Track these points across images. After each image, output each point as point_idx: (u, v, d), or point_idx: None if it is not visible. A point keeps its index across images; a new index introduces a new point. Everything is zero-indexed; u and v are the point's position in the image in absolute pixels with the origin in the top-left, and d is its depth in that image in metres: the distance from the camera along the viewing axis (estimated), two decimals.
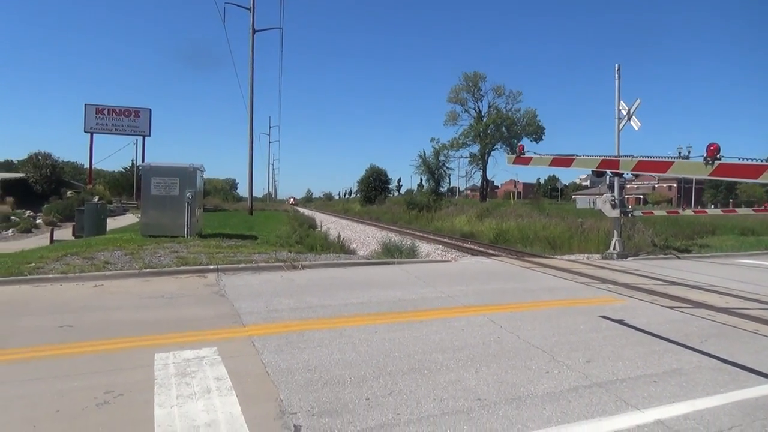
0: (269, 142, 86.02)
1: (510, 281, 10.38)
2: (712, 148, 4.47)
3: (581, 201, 67.49)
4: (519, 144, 7.17)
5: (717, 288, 9.72)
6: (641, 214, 17.53)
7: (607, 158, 6.10)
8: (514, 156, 7.14)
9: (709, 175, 4.57)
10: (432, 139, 63.39)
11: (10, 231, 22.28)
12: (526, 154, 6.96)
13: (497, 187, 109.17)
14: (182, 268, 9.96)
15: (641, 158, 5.47)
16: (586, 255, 15.70)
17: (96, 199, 27.43)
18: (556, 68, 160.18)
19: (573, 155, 6.32)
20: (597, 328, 6.47)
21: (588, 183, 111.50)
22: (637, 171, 5.82)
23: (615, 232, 15.31)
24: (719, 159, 4.46)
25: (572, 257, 15.14)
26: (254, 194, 37.21)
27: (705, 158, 4.51)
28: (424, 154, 58.86)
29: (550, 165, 6.72)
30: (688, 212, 20.23)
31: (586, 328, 6.48)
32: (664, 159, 5.38)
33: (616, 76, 16.32)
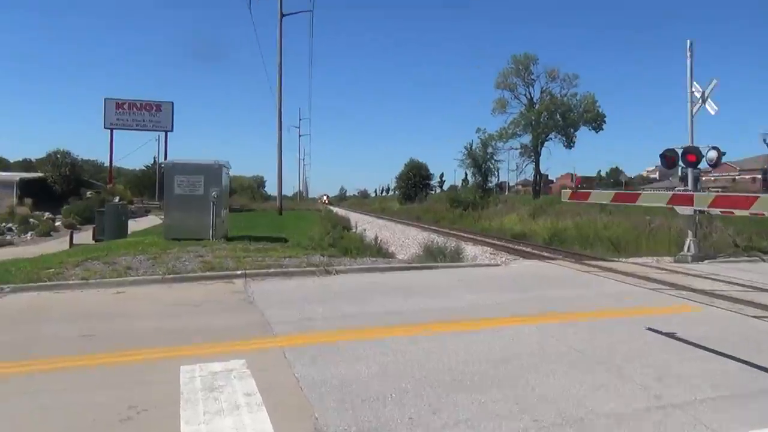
0: (299, 136, 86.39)
1: (567, 287, 10.18)
2: None
3: None
4: (576, 177, 7.14)
5: None
6: (719, 213, 16.92)
7: (679, 193, 6.36)
8: (570, 191, 7.01)
9: None
10: (478, 130, 62.79)
11: (29, 234, 23.25)
12: (585, 190, 6.89)
13: (552, 182, 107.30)
14: (208, 273, 10.17)
15: (719, 193, 5.48)
16: (655, 258, 15.24)
17: (116, 199, 28.34)
18: (616, 47, 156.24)
19: (638, 191, 6.43)
20: (669, 341, 6.27)
21: (657, 175, 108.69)
22: (715, 207, 5.73)
23: (689, 231, 14.80)
24: None
25: (639, 260, 14.73)
26: (284, 192, 37.80)
27: None
28: (471, 145, 58.55)
29: (612, 201, 6.84)
30: None
31: (656, 340, 6.29)
32: (746, 195, 5.28)
33: (688, 54, 15.73)
